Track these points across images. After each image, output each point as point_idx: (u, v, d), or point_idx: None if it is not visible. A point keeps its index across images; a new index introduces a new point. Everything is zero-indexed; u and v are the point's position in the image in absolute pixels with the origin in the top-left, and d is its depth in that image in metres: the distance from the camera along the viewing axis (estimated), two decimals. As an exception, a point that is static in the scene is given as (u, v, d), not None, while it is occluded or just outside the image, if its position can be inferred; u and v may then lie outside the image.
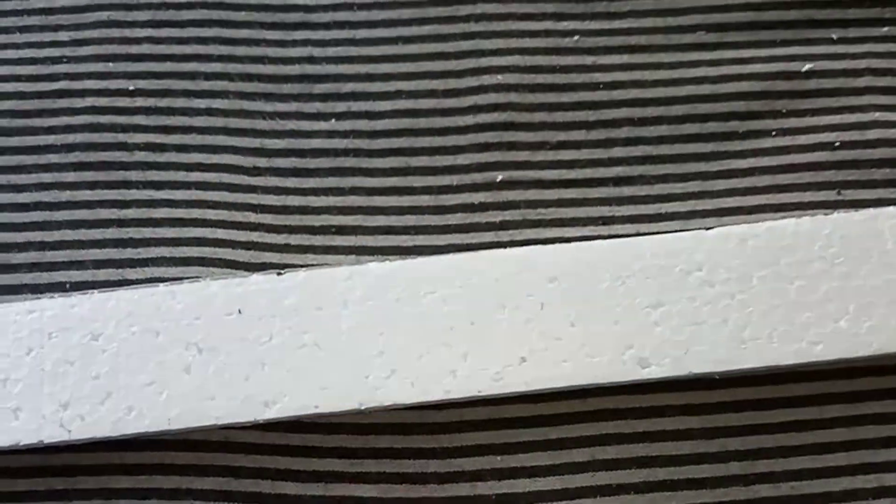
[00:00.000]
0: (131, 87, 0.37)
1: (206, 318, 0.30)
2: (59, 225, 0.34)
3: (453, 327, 0.31)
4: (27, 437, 0.29)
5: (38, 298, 0.31)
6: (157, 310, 0.31)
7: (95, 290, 0.31)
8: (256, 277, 0.31)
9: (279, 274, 0.31)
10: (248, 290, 0.31)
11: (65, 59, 0.37)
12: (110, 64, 0.37)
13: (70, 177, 0.35)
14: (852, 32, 0.38)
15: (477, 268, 0.31)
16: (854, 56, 0.37)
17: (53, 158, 0.35)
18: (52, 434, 0.29)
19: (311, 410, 0.29)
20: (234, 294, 0.31)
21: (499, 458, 0.31)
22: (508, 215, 0.35)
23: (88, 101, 0.36)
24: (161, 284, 0.31)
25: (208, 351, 0.30)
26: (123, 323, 0.30)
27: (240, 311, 0.31)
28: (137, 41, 0.37)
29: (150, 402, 0.29)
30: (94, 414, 0.29)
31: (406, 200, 0.35)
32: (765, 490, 0.31)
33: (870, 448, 0.32)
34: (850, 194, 0.35)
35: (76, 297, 0.31)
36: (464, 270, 0.31)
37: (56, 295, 0.31)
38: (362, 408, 0.29)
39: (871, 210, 0.32)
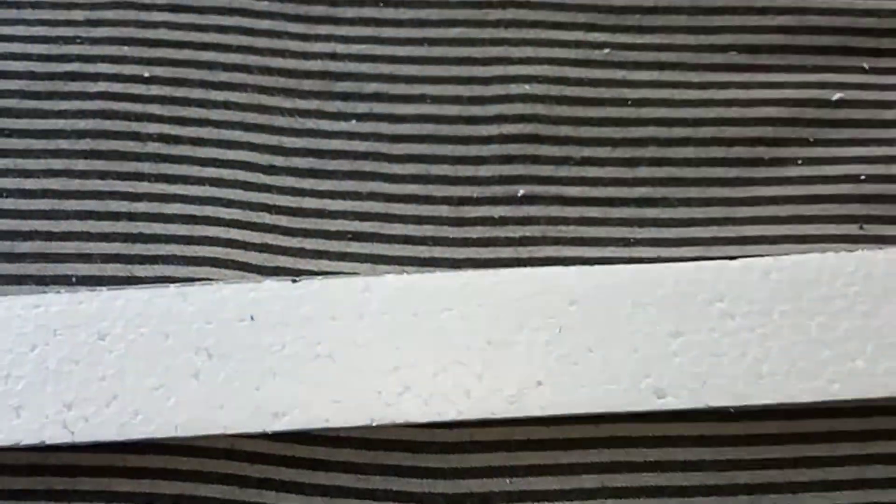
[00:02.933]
0: (147, 74, 0.35)
1: (217, 322, 0.30)
2: (67, 215, 0.33)
3: (469, 346, 0.30)
4: (28, 437, 0.28)
5: (44, 293, 0.30)
6: (167, 312, 0.30)
7: (104, 288, 0.30)
8: (271, 283, 0.30)
9: (294, 281, 0.30)
10: (261, 296, 0.30)
11: (78, 40, 0.36)
12: (125, 48, 0.36)
13: (80, 164, 0.34)
14: (884, 62, 0.37)
15: (497, 286, 0.31)
16: (885, 87, 0.37)
17: (63, 144, 0.34)
18: (54, 435, 0.28)
19: (322, 424, 0.29)
20: (247, 299, 0.30)
21: (508, 480, 0.31)
22: (528, 231, 0.34)
23: (102, 86, 0.35)
24: (172, 285, 0.30)
25: (219, 357, 0.29)
26: (132, 323, 0.30)
27: (252, 318, 0.30)
28: (154, 25, 0.36)
29: (157, 407, 0.29)
30: (98, 416, 0.29)
31: (425, 210, 0.34)
32: (772, 526, 0.31)
33: (878, 488, 0.31)
34: (872, 229, 0.34)
35: (84, 294, 0.30)
36: (483, 288, 0.30)
37: (63, 290, 0.30)
38: (373, 424, 0.29)
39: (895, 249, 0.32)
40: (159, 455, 0.30)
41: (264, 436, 0.30)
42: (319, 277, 0.31)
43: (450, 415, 0.29)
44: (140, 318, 0.30)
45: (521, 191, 0.35)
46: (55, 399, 0.29)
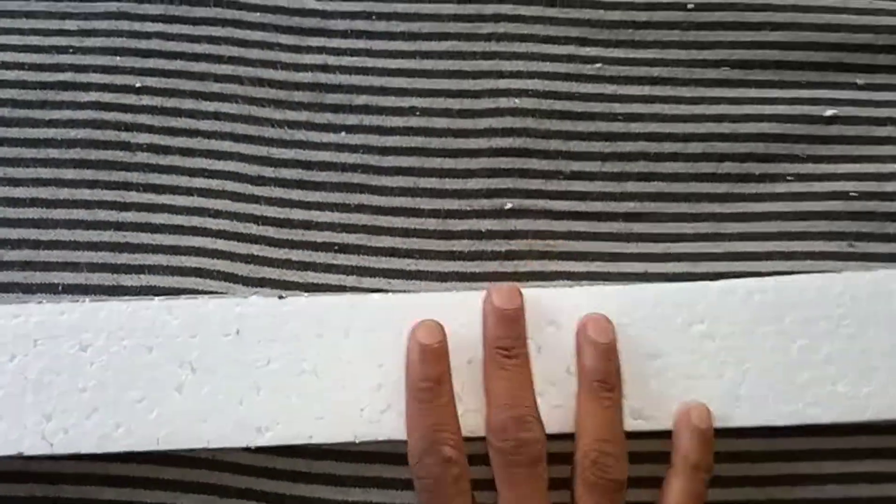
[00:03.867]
0: (138, 84, 0.35)
1: (202, 336, 0.30)
2: (55, 224, 0.33)
3: (451, 365, 0.30)
4: (6, 448, 0.28)
5: (25, 303, 0.30)
6: (151, 324, 0.30)
7: (87, 298, 0.30)
8: (257, 299, 0.30)
9: (281, 297, 0.30)
10: (247, 311, 0.30)
11: (71, 50, 0.36)
12: (118, 58, 0.36)
13: (69, 174, 0.34)
14: (879, 79, 0.37)
15: (478, 306, 0.30)
16: (878, 104, 0.36)
17: (53, 153, 0.34)
18: (33, 445, 0.28)
19: (305, 440, 0.29)
20: (232, 314, 0.30)
21: (486, 492, 0.31)
22: (515, 245, 0.34)
23: (93, 96, 0.35)
24: (156, 298, 0.30)
25: (203, 371, 0.29)
26: (115, 335, 0.30)
27: (238, 332, 0.30)
28: (147, 36, 0.36)
29: (139, 420, 0.29)
30: (78, 428, 0.29)
31: (412, 222, 0.34)
32: (753, 544, 0.31)
33: (862, 508, 0.31)
34: (861, 247, 0.34)
35: (65, 305, 0.30)
36: (466, 307, 0.30)
37: (44, 300, 0.30)
38: (356, 441, 0.29)
39: (882, 271, 0.32)
40: (141, 464, 0.31)
41: (247, 448, 0.30)
42: (306, 295, 0.31)
43: None
44: (123, 329, 0.30)
45: (509, 204, 0.34)
46: (34, 410, 0.29)
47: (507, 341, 0.29)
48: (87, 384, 0.29)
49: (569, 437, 0.30)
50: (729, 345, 0.30)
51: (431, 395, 0.28)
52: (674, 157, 0.35)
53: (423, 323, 0.29)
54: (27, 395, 0.29)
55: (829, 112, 0.36)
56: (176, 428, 0.29)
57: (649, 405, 0.30)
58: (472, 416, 0.29)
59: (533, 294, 0.30)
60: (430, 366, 0.28)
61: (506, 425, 0.28)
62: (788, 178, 0.35)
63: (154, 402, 0.29)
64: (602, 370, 0.29)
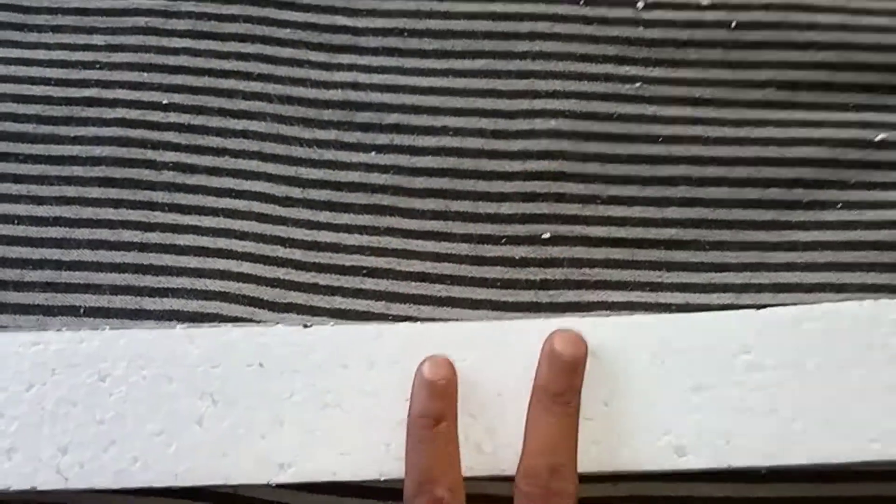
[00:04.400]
0: (165, 101, 0.35)
1: (224, 367, 0.29)
2: (79, 244, 0.33)
3: (480, 398, 0.29)
4: (19, 482, 0.27)
5: (44, 330, 0.29)
6: (171, 354, 0.29)
7: (107, 327, 0.29)
8: (281, 328, 0.29)
9: (305, 326, 0.29)
10: (271, 341, 0.29)
11: (97, 65, 0.35)
12: (145, 74, 0.35)
13: (94, 192, 0.33)
14: (932, 101, 0.35)
15: (508, 337, 0.29)
16: (931, 128, 0.35)
17: (78, 171, 0.34)
18: (47, 480, 0.27)
19: (329, 477, 0.28)
20: (256, 344, 0.29)
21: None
22: (550, 274, 0.33)
23: (119, 113, 0.35)
24: (178, 325, 0.29)
25: (224, 403, 0.28)
26: (134, 365, 0.29)
27: (261, 364, 0.29)
28: (175, 52, 0.36)
29: (157, 454, 0.28)
30: (94, 462, 0.28)
31: (443, 247, 0.33)
32: None
33: (918, 560, 0.30)
34: (916, 278, 0.33)
35: (85, 332, 0.29)
36: (495, 338, 0.29)
37: (64, 328, 0.29)
38: (381, 478, 0.28)
39: (941, 296, 0.30)
40: (159, 497, 0.30)
41: (268, 484, 0.29)
42: (331, 323, 0.29)
43: None
44: (143, 359, 0.29)
45: (545, 230, 0.33)
46: (50, 442, 0.28)
47: (561, 387, 0.28)
48: (104, 416, 0.28)
49: (608, 483, 0.28)
50: (779, 376, 0.29)
51: (430, 433, 0.27)
52: (717, 182, 0.34)
53: (432, 358, 0.28)
54: (43, 427, 0.28)
55: (880, 136, 0.35)
56: (195, 463, 0.28)
57: (694, 442, 0.28)
58: (503, 451, 0.28)
59: (567, 324, 0.29)
60: (432, 402, 0.27)
61: (539, 471, 0.27)
62: (838, 205, 0.34)
63: (173, 435, 0.28)
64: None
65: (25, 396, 0.28)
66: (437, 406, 0.27)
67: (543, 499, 0.26)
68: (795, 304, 0.32)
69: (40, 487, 0.27)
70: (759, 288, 0.33)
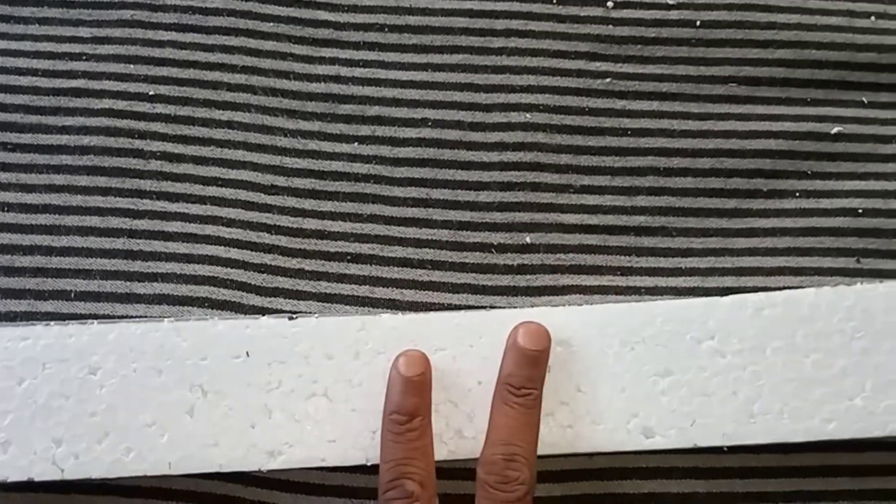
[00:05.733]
0: (151, 92, 0.36)
1: (212, 358, 0.29)
2: (68, 230, 0.33)
3: (461, 386, 0.30)
4: (15, 474, 0.28)
5: (33, 325, 0.29)
6: (160, 347, 0.29)
7: (95, 322, 0.29)
8: (267, 320, 0.30)
9: (291, 318, 0.30)
10: (257, 333, 0.30)
11: (84, 57, 0.36)
12: (131, 66, 0.36)
13: (83, 181, 0.34)
14: (884, 97, 0.37)
15: (488, 326, 0.30)
16: (884, 122, 0.37)
17: (66, 160, 0.34)
18: (43, 472, 0.28)
19: (317, 463, 0.29)
20: (242, 336, 0.30)
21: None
22: (527, 259, 0.34)
23: (106, 103, 0.35)
24: (165, 319, 0.30)
25: (213, 394, 0.29)
26: (124, 358, 0.29)
27: (248, 354, 0.29)
28: (160, 44, 0.36)
29: (151, 444, 0.28)
30: (89, 453, 0.28)
31: (425, 233, 0.34)
32: (764, 559, 0.31)
33: (873, 524, 0.31)
34: (869, 263, 0.35)
35: (74, 327, 0.29)
36: (475, 328, 0.30)
37: (52, 323, 0.29)
38: (368, 463, 0.29)
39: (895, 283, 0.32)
40: (148, 499, 0.30)
41: (258, 483, 0.30)
42: (316, 315, 0.30)
43: (441, 454, 0.29)
44: (133, 352, 0.29)
45: (521, 217, 0.35)
46: (44, 435, 0.28)
47: (521, 380, 0.29)
48: (97, 408, 0.29)
49: (583, 456, 0.30)
50: (740, 361, 0.30)
51: (403, 427, 0.28)
52: (683, 172, 0.36)
53: (407, 353, 0.29)
54: (36, 420, 0.28)
55: (836, 129, 0.36)
56: (187, 452, 0.28)
57: (661, 424, 0.30)
58: (482, 436, 0.29)
59: (541, 314, 0.30)
60: (406, 398, 0.28)
61: (496, 460, 0.28)
62: (796, 194, 0.36)
63: (165, 426, 0.29)
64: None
65: (17, 391, 0.29)
66: (411, 402, 0.28)
67: (498, 485, 0.27)
68: (757, 286, 0.33)
69: (37, 479, 0.28)
70: (723, 272, 0.34)
